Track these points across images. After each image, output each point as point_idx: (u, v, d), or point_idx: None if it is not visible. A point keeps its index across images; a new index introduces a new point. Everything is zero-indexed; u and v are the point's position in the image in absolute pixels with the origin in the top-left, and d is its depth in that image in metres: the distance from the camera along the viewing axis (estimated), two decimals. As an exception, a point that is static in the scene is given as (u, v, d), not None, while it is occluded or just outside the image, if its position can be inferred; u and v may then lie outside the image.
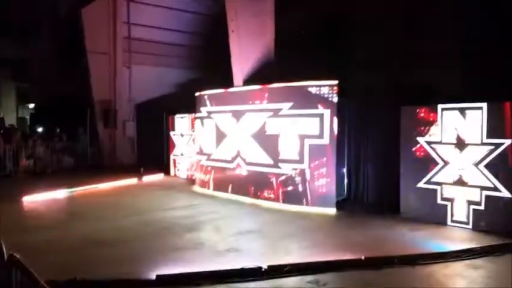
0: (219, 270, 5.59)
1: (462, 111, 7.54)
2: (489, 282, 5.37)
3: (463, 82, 8.31)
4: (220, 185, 11.21)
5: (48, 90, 20.23)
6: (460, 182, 7.60)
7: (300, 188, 9.38)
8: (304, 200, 9.32)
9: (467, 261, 5.99)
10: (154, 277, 5.35)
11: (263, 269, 5.61)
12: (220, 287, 5.23)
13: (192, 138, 13.48)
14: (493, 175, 7.17)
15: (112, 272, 5.54)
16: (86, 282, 5.18)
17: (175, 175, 14.63)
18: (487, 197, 7.24)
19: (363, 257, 5.99)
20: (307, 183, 9.26)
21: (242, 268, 5.64)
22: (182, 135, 14.22)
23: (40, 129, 18.51)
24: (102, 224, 8.35)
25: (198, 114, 12.21)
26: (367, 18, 11.84)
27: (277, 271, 5.61)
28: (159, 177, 14.24)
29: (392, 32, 10.76)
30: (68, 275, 5.19)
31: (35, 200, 10.50)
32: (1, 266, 4.71)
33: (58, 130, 16.74)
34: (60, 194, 11.18)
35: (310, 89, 9.20)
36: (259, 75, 12.43)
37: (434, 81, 8.56)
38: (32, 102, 25.67)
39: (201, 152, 12.03)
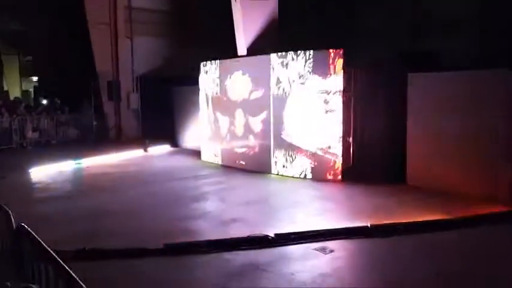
0: (226, 239, 5.64)
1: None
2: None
3: (469, 49, 8.11)
4: (229, 156, 11.20)
5: (51, 63, 20.01)
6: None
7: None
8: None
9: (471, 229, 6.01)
10: (162, 246, 5.41)
11: (270, 237, 5.66)
12: (227, 255, 5.28)
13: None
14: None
15: (120, 242, 5.61)
16: (94, 251, 5.25)
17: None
18: None
19: (369, 225, 6.01)
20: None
21: (249, 236, 5.69)
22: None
23: (44, 102, 18.39)
24: (109, 195, 8.42)
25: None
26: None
27: (283, 239, 5.65)
28: (164, 148, 14.24)
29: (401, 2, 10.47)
30: (76, 245, 5.26)
31: (42, 171, 10.57)
32: (10, 236, 4.77)
33: (58, 102, 16.63)
34: (67, 165, 11.24)
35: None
36: (263, 44, 12.22)
37: (441, 49, 8.37)
38: (35, 75, 25.51)
39: (209, 122, 11.96)
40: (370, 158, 9.55)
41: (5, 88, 26.61)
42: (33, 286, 2.49)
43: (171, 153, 13.66)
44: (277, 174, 9.83)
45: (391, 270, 4.91)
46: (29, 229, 4.33)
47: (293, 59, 9.39)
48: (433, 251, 5.36)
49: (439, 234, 5.89)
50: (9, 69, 27.37)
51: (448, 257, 5.16)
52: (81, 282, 2.79)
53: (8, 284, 2.41)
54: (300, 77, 9.29)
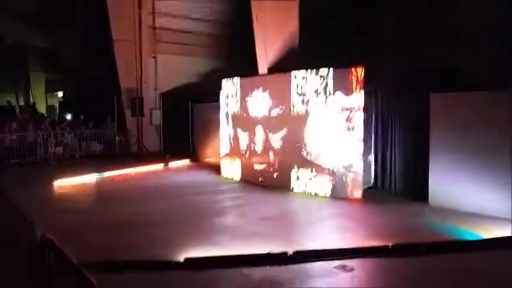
0: (246, 254, 5.64)
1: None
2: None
3: (495, 66, 8.01)
4: (248, 172, 11.24)
5: (76, 79, 20.60)
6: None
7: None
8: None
9: (495, 251, 5.87)
10: (183, 260, 5.44)
11: (289, 254, 5.63)
12: (246, 271, 5.27)
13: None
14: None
15: (141, 255, 5.67)
16: (116, 263, 5.31)
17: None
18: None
19: (390, 244, 5.93)
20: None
21: (268, 253, 5.68)
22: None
23: (68, 117, 18.89)
24: (131, 207, 8.52)
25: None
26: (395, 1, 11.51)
27: (303, 256, 5.62)
28: (184, 163, 14.38)
29: (420, 15, 10.44)
30: (99, 256, 5.32)
31: (65, 184, 10.79)
32: (35, 247, 4.87)
33: (82, 117, 17.07)
34: (90, 178, 11.46)
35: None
36: (284, 62, 12.33)
37: (465, 66, 8.30)
38: (61, 91, 26.22)
39: (229, 138, 12.07)
40: (391, 177, 9.47)
41: (31, 103, 27.38)
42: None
43: (191, 168, 13.77)
44: (297, 192, 9.81)
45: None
46: (53, 240, 4.43)
47: (314, 76, 9.46)
48: (455, 272, 5.25)
49: (462, 255, 5.77)
50: (36, 85, 28.20)
51: (471, 280, 5.05)
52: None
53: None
54: (320, 95, 9.34)
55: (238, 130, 11.49)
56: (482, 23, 8.65)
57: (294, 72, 9.89)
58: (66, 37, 20.68)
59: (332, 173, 9.19)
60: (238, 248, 5.96)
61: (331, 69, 9.19)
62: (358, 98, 8.78)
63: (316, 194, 9.43)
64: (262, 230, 6.90)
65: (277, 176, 10.35)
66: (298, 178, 9.84)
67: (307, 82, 9.60)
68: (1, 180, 10.93)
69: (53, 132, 15.38)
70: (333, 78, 9.13)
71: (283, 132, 10.15)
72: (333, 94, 9.12)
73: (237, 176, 11.54)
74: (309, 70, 9.57)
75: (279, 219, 7.74)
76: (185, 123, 15.67)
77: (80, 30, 19.85)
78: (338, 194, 9.07)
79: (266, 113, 10.57)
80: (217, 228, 7.12)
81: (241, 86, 11.41)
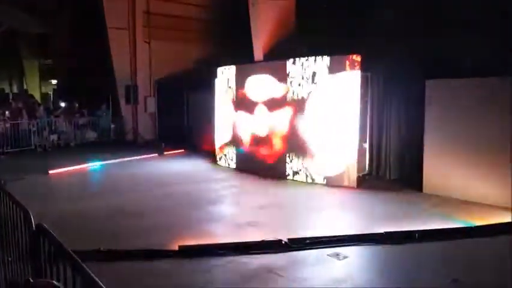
0: (240, 243, 5.66)
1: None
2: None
3: (491, 54, 7.95)
4: (244, 160, 11.24)
5: (71, 67, 20.38)
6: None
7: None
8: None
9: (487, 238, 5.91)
10: (177, 248, 5.46)
11: (283, 242, 5.66)
12: (241, 259, 5.30)
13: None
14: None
15: (136, 243, 5.68)
16: (110, 252, 5.32)
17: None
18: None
19: (383, 231, 5.97)
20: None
21: (263, 240, 5.70)
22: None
23: (63, 105, 18.72)
24: (125, 196, 8.52)
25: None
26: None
27: (297, 244, 5.65)
28: (180, 151, 14.34)
29: (418, 5, 10.33)
30: (92, 245, 5.32)
31: (60, 172, 10.75)
32: (29, 235, 4.86)
33: (77, 105, 16.94)
34: (85, 167, 11.42)
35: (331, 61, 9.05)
36: (280, 49, 12.24)
37: (461, 53, 8.24)
38: (55, 79, 25.98)
39: (224, 126, 12.04)
40: (386, 164, 9.50)
41: (27, 91, 27.17)
42: (55, 282, 2.52)
43: (187, 156, 13.72)
44: (293, 180, 9.83)
45: (406, 277, 4.87)
46: (48, 228, 4.41)
47: (310, 64, 9.41)
48: (449, 259, 5.30)
49: (455, 242, 5.81)
50: (30, 72, 27.97)
51: (463, 265, 5.09)
52: (100, 282, 2.83)
53: (30, 279, 2.45)
54: (317, 82, 9.30)
55: (234, 118, 11.45)
56: (478, 15, 8.56)
57: (290, 60, 9.83)
58: (59, 23, 20.40)
59: (327, 161, 9.19)
60: (233, 236, 5.98)
61: (328, 56, 9.13)
62: (354, 86, 8.75)
63: (311, 182, 9.45)
64: (257, 219, 6.91)
65: (273, 164, 10.35)
66: (294, 166, 9.85)
67: (303, 70, 9.54)
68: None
69: (47, 120, 15.27)
70: (330, 66, 9.07)
71: (279, 120, 10.12)
72: (329, 81, 9.08)
73: (233, 165, 11.54)
74: (305, 57, 9.50)
75: (275, 207, 7.77)
76: (180, 111, 15.60)
77: (74, 17, 19.55)
78: (333, 182, 9.09)
79: (262, 101, 10.52)
80: (212, 217, 7.14)
81: (236, 73, 11.33)
